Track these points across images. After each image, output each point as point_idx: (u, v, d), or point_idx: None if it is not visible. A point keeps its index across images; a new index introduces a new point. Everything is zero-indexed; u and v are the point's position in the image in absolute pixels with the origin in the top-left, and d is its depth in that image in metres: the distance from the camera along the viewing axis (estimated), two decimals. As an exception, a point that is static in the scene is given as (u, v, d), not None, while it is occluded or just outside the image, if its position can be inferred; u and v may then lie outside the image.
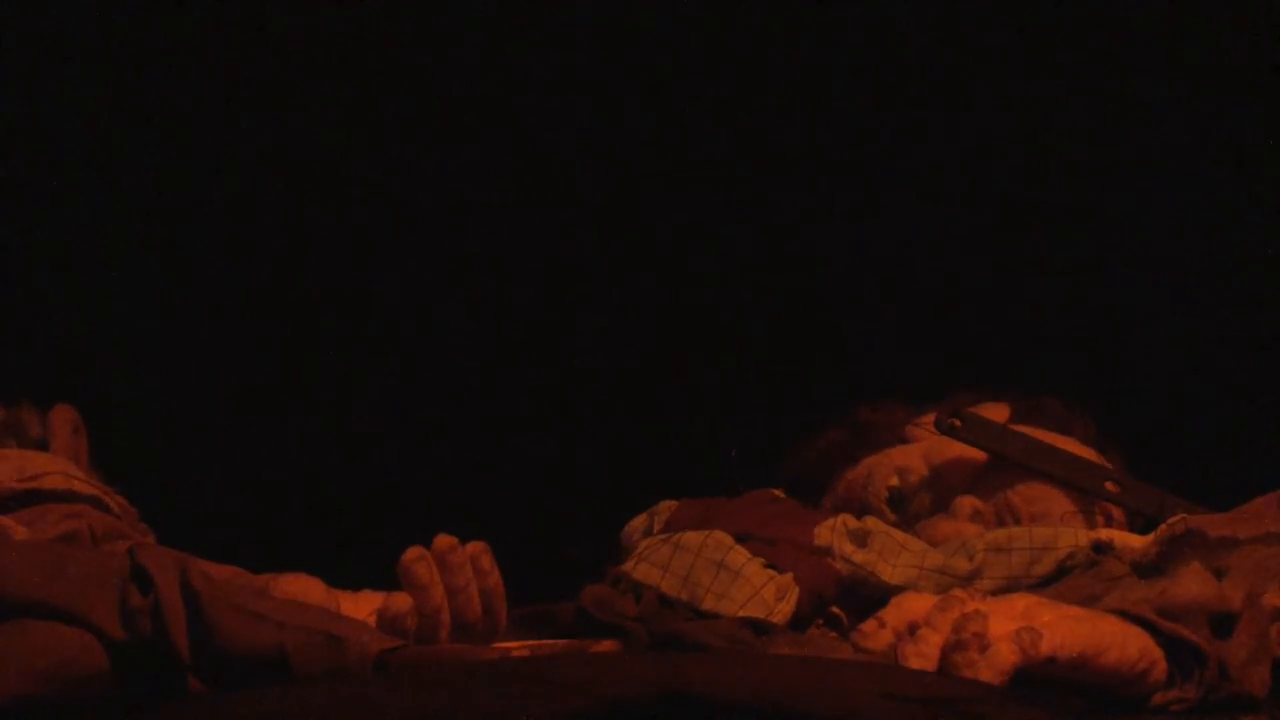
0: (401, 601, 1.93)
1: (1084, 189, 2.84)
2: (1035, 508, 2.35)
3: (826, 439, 2.49)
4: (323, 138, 2.79)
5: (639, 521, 2.26)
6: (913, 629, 1.76)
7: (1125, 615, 1.78)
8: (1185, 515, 2.05)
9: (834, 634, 1.97)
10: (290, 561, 2.07)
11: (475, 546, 1.99)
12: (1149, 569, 1.98)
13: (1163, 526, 2.05)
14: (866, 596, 2.04)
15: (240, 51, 2.76)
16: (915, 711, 1.56)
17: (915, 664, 1.72)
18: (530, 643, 1.93)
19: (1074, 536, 2.11)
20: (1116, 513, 2.38)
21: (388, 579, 1.98)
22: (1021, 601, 1.77)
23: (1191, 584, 1.84)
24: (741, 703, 1.51)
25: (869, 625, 1.84)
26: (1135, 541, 2.09)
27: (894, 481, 2.37)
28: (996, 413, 2.45)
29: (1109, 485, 2.38)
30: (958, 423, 2.39)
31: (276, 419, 2.77)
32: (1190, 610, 1.81)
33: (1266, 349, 2.75)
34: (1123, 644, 1.75)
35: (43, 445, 2.23)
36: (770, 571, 2.05)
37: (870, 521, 2.17)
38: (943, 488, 2.37)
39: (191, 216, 2.78)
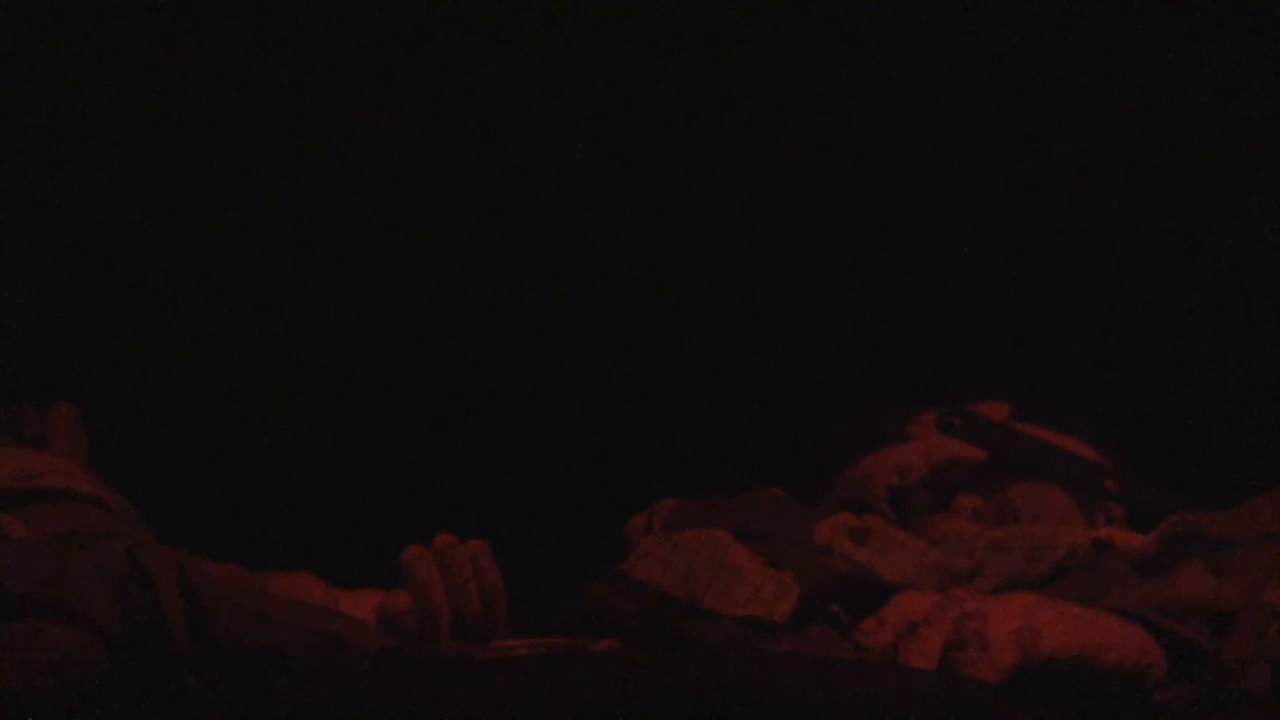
0: (401, 600, 1.94)
1: (1084, 187, 2.84)
2: (1035, 506, 2.35)
3: (826, 437, 2.49)
4: (323, 137, 2.79)
5: (639, 520, 2.26)
6: (913, 627, 1.76)
7: (1125, 614, 1.79)
8: (1185, 514, 2.05)
9: (834, 632, 1.97)
10: (290, 561, 2.07)
11: (475, 545, 2.00)
12: (1149, 567, 1.98)
13: (1162, 525, 2.05)
14: (866, 595, 2.03)
15: (235, 50, 2.76)
16: (915, 710, 1.56)
17: (915, 662, 1.72)
18: (530, 641, 1.93)
19: (1074, 535, 2.11)
20: (1116, 511, 2.38)
21: (387, 577, 1.98)
22: (1021, 600, 1.77)
23: (1191, 582, 1.84)
24: (741, 702, 1.51)
25: (869, 624, 1.84)
26: (1135, 540, 2.09)
27: (894, 480, 2.37)
28: (996, 411, 2.45)
29: (1109, 484, 2.38)
30: (958, 421, 2.39)
31: (276, 418, 2.77)
32: (1190, 608, 1.81)
33: (1266, 348, 2.74)
34: (1122, 642, 1.75)
35: (42, 443, 2.23)
36: (770, 570, 2.05)
37: (870, 520, 2.17)
38: (943, 486, 2.37)
39: (192, 216, 2.78)
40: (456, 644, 1.90)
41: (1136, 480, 2.39)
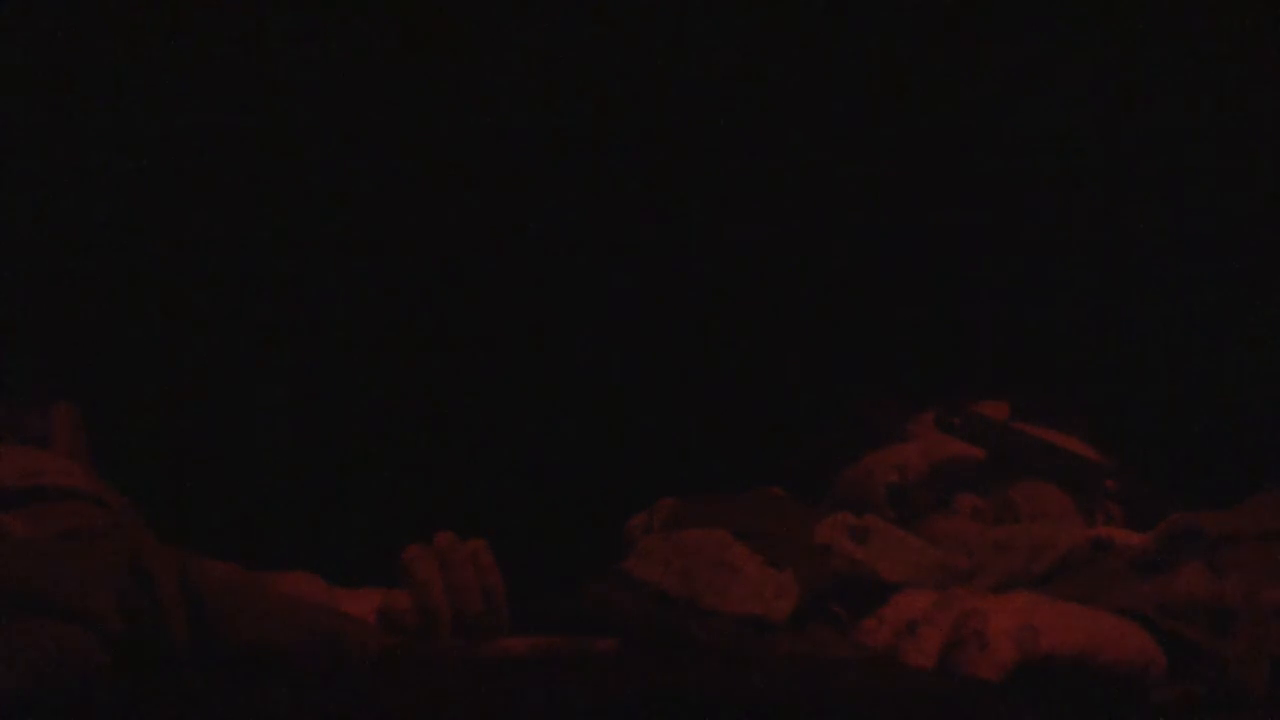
0: (402, 599, 1.94)
1: (1084, 188, 2.84)
2: (1035, 505, 2.35)
3: (827, 436, 2.50)
4: (320, 137, 2.79)
5: (639, 520, 2.26)
6: (912, 626, 1.76)
7: (1124, 613, 1.79)
8: (1185, 513, 2.05)
9: (834, 631, 1.97)
10: (290, 561, 2.07)
11: (476, 544, 2.00)
12: (1148, 566, 1.98)
13: (1162, 524, 2.05)
14: (866, 594, 2.04)
15: (233, 54, 2.76)
16: (915, 709, 1.56)
17: (915, 661, 1.72)
18: (530, 641, 1.94)
19: (1073, 534, 2.11)
20: (1116, 510, 2.38)
21: (387, 577, 1.98)
22: (1020, 599, 1.77)
23: (1191, 581, 1.84)
24: (740, 702, 1.51)
25: (869, 622, 1.84)
26: (1135, 539, 2.09)
27: (894, 478, 2.37)
28: (996, 411, 2.45)
29: (1109, 484, 2.38)
30: (958, 420, 2.39)
31: (277, 419, 2.77)
32: (1189, 607, 1.81)
33: (1265, 349, 2.74)
34: (1121, 641, 1.75)
35: (43, 443, 2.23)
36: (770, 569, 2.05)
37: (870, 519, 2.17)
38: (943, 485, 2.37)
39: (193, 218, 2.78)
40: (457, 643, 1.90)
41: (1136, 480, 2.39)
